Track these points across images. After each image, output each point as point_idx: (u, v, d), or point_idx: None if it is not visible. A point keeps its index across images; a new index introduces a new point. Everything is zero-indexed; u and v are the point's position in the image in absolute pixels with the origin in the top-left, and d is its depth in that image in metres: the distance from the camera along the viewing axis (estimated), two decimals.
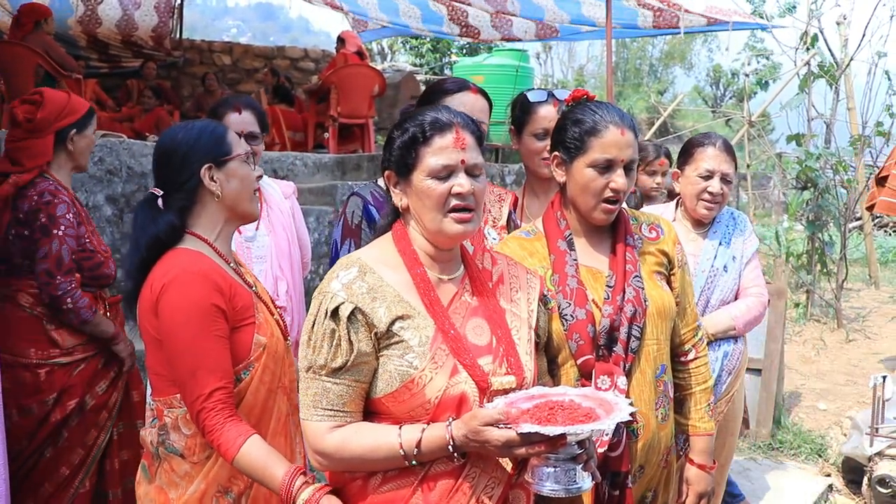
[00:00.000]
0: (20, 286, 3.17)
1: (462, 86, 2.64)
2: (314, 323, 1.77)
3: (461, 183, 1.79)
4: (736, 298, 3.28)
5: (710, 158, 3.22)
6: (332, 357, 1.74)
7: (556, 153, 2.25)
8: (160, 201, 2.21)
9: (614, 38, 7.98)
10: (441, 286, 1.87)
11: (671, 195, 3.58)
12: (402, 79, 11.53)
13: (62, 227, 3.12)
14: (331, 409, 1.76)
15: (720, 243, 3.27)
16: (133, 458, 3.29)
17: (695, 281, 3.14)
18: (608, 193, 2.16)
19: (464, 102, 2.56)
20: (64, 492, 3.16)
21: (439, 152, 1.80)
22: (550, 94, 2.81)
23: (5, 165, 3.20)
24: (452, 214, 1.80)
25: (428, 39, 17.49)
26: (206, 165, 2.18)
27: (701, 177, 3.22)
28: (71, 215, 3.16)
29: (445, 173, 1.80)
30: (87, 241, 3.24)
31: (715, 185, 3.20)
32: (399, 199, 1.87)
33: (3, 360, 3.01)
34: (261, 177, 2.32)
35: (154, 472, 2.17)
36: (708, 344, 3.09)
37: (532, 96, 2.84)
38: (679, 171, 3.34)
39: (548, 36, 10.17)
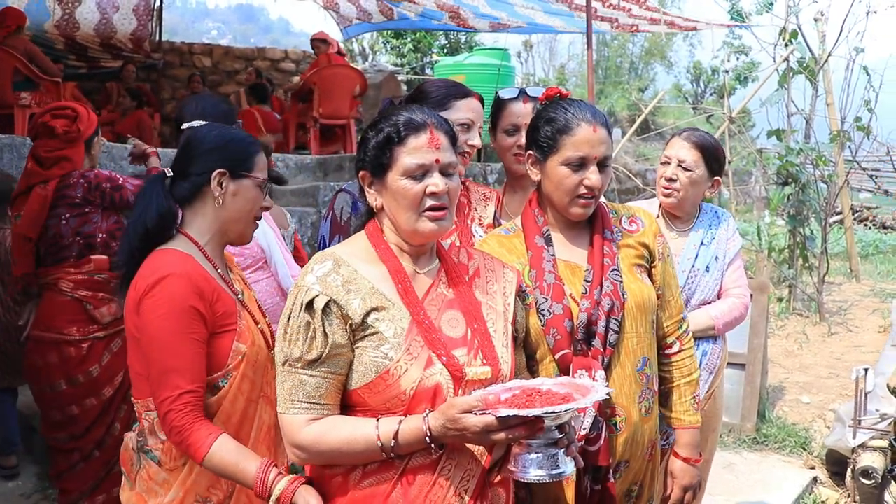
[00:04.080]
0: (62, 274, 3.65)
1: (466, 92, 2.68)
2: (289, 316, 1.78)
3: (436, 182, 1.80)
4: (718, 298, 3.25)
5: (670, 146, 3.26)
6: (307, 349, 1.74)
7: (531, 152, 2.25)
8: (167, 183, 2.22)
9: (594, 33, 8.06)
10: (416, 278, 1.87)
11: None
12: (383, 79, 11.52)
13: (121, 179, 3.68)
14: (307, 402, 1.76)
15: (702, 243, 3.23)
16: None
17: None
18: (582, 190, 2.16)
19: (472, 108, 2.63)
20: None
21: (414, 152, 1.80)
22: (522, 91, 2.83)
23: (36, 169, 3.69)
24: (427, 213, 1.81)
25: (409, 39, 17.47)
26: (220, 169, 2.18)
27: (661, 164, 3.27)
28: (120, 178, 3.70)
29: (420, 173, 1.80)
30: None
31: (669, 170, 3.20)
32: (374, 199, 1.88)
33: (49, 338, 3.62)
34: (268, 208, 2.33)
35: (134, 478, 2.16)
36: None
37: (503, 93, 2.87)
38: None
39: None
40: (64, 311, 3.64)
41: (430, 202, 1.80)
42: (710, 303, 3.22)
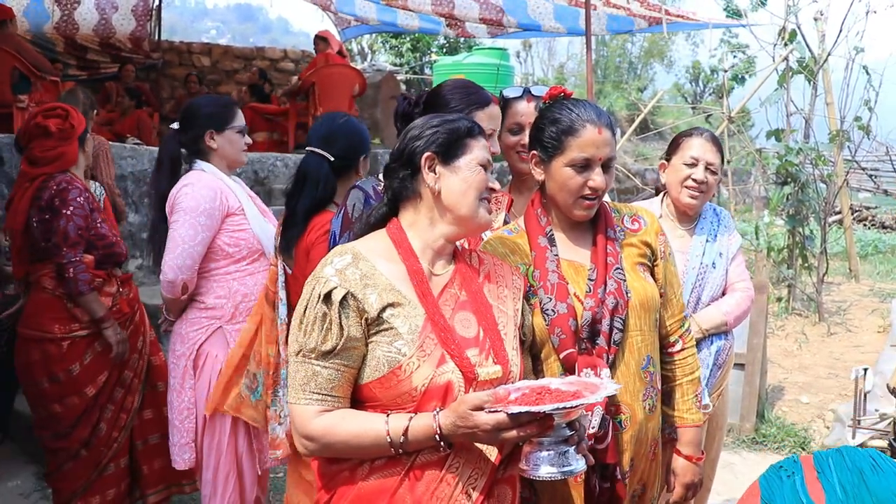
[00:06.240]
0: (44, 272, 3.66)
1: (487, 99, 2.66)
2: (306, 307, 1.79)
3: (488, 181, 1.95)
4: (723, 294, 3.30)
5: (695, 147, 3.24)
6: (322, 340, 1.76)
7: (535, 152, 2.25)
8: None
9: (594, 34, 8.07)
10: (433, 279, 1.89)
11: (658, 191, 3.59)
12: (382, 78, 11.49)
13: (71, 208, 3.59)
14: (319, 393, 1.77)
15: (707, 240, 3.28)
16: (156, 415, 3.84)
17: (685, 278, 3.17)
18: (586, 191, 2.16)
19: (493, 116, 2.62)
20: (109, 448, 3.73)
21: (482, 148, 1.96)
22: (526, 91, 2.83)
23: (26, 169, 3.72)
24: (483, 203, 1.93)
25: (408, 39, 17.47)
26: (364, 155, 3.06)
27: (686, 164, 3.23)
28: (82, 199, 3.64)
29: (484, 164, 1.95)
30: (100, 224, 3.73)
31: (699, 172, 3.21)
32: (434, 181, 1.90)
33: (32, 336, 3.65)
34: None
35: None
36: (701, 340, 3.13)
37: (507, 92, 2.87)
38: (666, 163, 3.36)
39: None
40: (46, 308, 3.65)
41: (484, 195, 1.94)
42: (717, 298, 3.27)
